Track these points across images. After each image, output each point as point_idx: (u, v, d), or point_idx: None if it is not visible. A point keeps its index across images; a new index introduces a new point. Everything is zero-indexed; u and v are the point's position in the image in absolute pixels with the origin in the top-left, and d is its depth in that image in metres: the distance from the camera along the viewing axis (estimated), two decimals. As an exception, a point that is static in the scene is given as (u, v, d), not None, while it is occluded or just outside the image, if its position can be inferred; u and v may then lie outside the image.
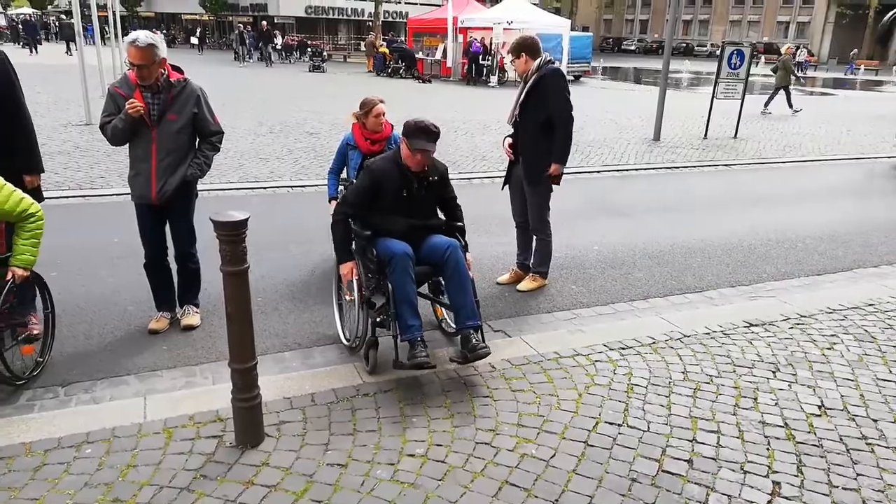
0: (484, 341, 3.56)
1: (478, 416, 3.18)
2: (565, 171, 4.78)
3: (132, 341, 3.98)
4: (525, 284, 4.99)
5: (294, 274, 5.15)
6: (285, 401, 3.26)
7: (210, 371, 3.71)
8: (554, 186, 4.81)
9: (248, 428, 2.91)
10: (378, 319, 3.62)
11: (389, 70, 27.58)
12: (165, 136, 3.80)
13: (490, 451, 2.91)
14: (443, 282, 3.78)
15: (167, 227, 4.08)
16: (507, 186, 5.06)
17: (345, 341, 3.98)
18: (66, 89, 15.75)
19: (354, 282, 3.69)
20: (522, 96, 4.66)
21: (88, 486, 2.62)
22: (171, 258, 4.17)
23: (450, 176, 4.05)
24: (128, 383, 3.55)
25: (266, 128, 12.09)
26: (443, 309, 4.11)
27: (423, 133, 3.60)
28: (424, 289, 4.03)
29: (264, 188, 8.04)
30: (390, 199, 3.70)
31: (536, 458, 2.88)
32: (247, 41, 32.59)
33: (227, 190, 7.80)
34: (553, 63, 4.67)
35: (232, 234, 2.68)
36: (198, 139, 4.00)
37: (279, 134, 11.60)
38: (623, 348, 3.94)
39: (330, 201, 4.95)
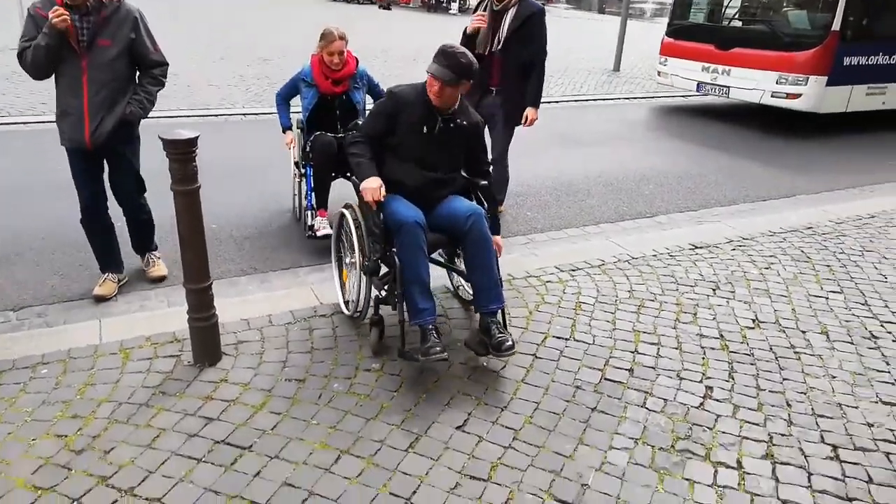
0: (506, 328, 3.06)
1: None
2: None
3: (84, 267, 3.94)
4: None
5: (249, 202, 5.11)
6: (242, 322, 3.31)
7: (165, 295, 3.72)
8: None
9: (206, 347, 2.95)
10: (382, 294, 3.12)
11: (347, -5, 26.56)
12: (98, 65, 3.25)
13: (443, 364, 3.03)
14: (460, 252, 3.32)
15: (106, 174, 3.59)
16: None
17: (345, 309, 3.39)
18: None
19: (371, 220, 3.09)
20: (507, 31, 4.33)
21: (46, 403, 2.65)
22: (113, 210, 3.68)
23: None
24: (81, 307, 3.54)
25: (217, 53, 11.63)
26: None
27: (441, 56, 2.99)
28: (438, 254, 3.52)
29: (216, 116, 7.83)
30: (407, 134, 3.10)
31: (488, 370, 3.02)
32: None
33: (177, 118, 7.55)
34: None
35: (182, 153, 2.65)
36: (137, 72, 3.47)
37: (229, 60, 11.19)
38: (573, 270, 4.08)
39: (284, 132, 4.63)
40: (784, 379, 3.04)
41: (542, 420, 2.70)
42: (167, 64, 3.54)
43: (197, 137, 2.68)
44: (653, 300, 3.73)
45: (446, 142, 3.14)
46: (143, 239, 3.86)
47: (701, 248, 4.48)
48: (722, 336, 3.38)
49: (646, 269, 4.14)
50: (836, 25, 7.72)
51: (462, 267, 3.35)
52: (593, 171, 6.38)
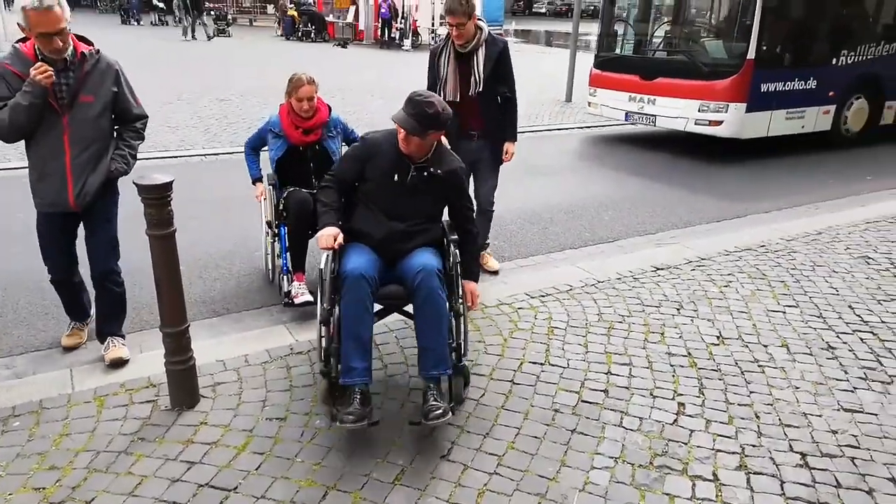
0: (450, 397, 2.88)
1: (410, 365, 3.33)
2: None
3: (50, 315, 3.86)
4: (493, 264, 4.67)
5: (216, 242, 5.09)
6: (218, 363, 3.29)
7: (136, 341, 3.66)
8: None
9: (184, 390, 2.93)
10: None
11: (299, 33, 26.77)
12: (80, 123, 3.04)
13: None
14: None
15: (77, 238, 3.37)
16: None
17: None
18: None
19: (328, 267, 2.88)
20: (483, 73, 4.15)
21: (21, 456, 2.59)
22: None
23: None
24: (50, 357, 3.46)
25: (174, 95, 11.58)
26: None
27: (408, 104, 2.86)
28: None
29: (175, 157, 7.79)
30: (378, 182, 2.99)
31: (468, 399, 3.06)
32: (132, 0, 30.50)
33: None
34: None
35: (157, 198, 2.67)
36: (117, 126, 3.29)
37: (187, 101, 11.15)
38: (543, 296, 4.18)
39: (254, 183, 4.34)
40: (751, 392, 3.17)
41: (524, 445, 2.76)
42: (147, 117, 3.37)
43: (172, 182, 2.70)
44: (621, 322, 3.85)
45: (418, 192, 2.98)
46: (112, 317, 3.44)
47: (662, 269, 4.64)
48: (689, 354, 3.51)
49: (612, 291, 4.27)
50: (752, 54, 7.95)
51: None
52: (554, 199, 6.56)
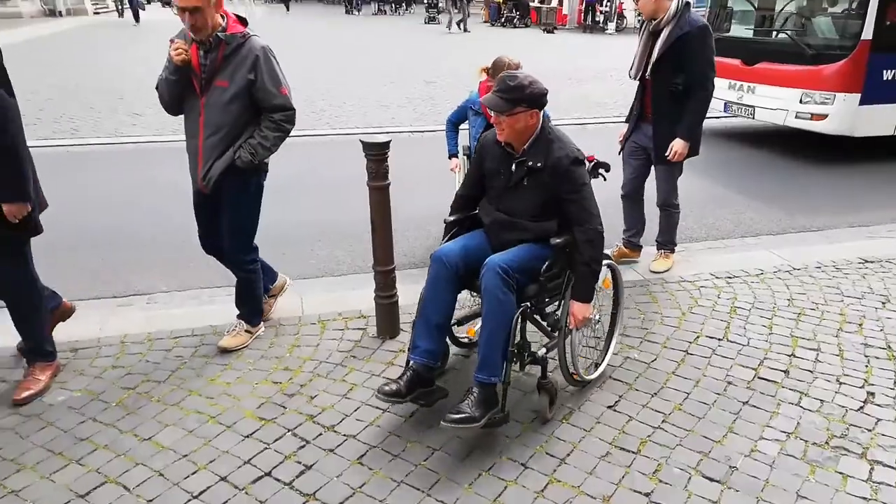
0: (502, 406, 2.58)
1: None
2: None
3: (289, 256, 4.62)
4: (659, 265, 4.26)
5: (417, 208, 5.62)
6: (415, 304, 3.75)
7: (351, 281, 4.27)
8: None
9: (387, 321, 3.43)
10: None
11: (503, 20, 27.41)
12: (213, 107, 2.99)
13: (596, 353, 3.26)
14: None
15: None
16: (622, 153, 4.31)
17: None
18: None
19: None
20: (657, 53, 3.86)
21: (264, 357, 3.25)
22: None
23: (562, 122, 3.81)
24: (290, 288, 4.15)
25: (386, 78, 12.65)
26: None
27: (496, 82, 2.74)
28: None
29: (387, 132, 8.59)
30: (489, 178, 2.89)
31: (639, 361, 3.21)
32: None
33: (351, 134, 8.41)
34: (690, 7, 3.87)
35: (377, 154, 3.15)
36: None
37: (398, 83, 12.13)
38: (730, 277, 4.12)
39: (450, 157, 4.43)
40: (959, 392, 2.92)
41: (691, 408, 2.85)
42: (293, 109, 3.09)
43: (389, 142, 3.17)
44: (814, 309, 3.69)
45: (521, 187, 2.77)
46: (241, 300, 3.39)
47: (872, 262, 4.30)
48: (889, 347, 3.29)
49: (808, 279, 4.07)
50: (868, 33, 6.45)
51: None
52: (742, 184, 6.25)
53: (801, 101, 6.95)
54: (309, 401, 2.90)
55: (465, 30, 24.25)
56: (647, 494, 2.37)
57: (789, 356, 3.24)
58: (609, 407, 2.86)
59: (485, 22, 29.30)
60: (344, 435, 2.67)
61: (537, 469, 2.49)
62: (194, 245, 3.41)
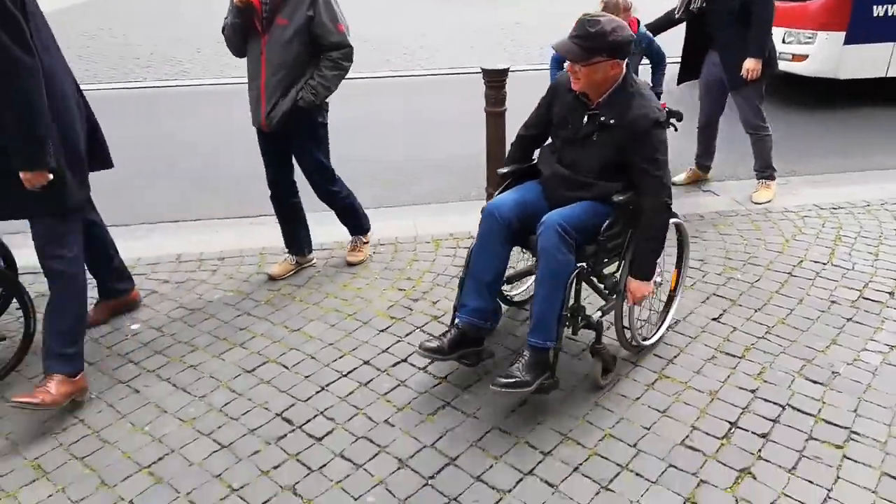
0: (552, 371, 2.42)
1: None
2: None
3: (393, 182, 4.93)
4: (761, 195, 4.30)
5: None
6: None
7: (457, 207, 4.51)
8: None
9: (498, 240, 3.68)
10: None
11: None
12: (275, 46, 3.05)
13: (700, 273, 3.42)
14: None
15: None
16: (684, 83, 4.49)
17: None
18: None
19: None
20: None
21: (388, 269, 3.58)
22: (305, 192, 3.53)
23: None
24: (401, 210, 4.46)
25: (463, 16, 12.66)
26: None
27: (575, 26, 2.43)
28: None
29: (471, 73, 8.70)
30: (556, 125, 2.67)
31: (741, 281, 3.35)
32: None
33: (441, 75, 8.57)
34: None
35: (496, 81, 3.36)
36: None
37: (481, 22, 12.13)
38: (835, 208, 4.13)
39: None
40: None
41: (795, 322, 2.99)
42: (349, 47, 3.14)
43: (508, 69, 3.36)
44: (923, 239, 3.69)
45: (589, 142, 2.54)
46: (349, 221, 3.65)
47: None
48: None
49: (918, 212, 4.04)
50: None
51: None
52: (846, 116, 6.06)
53: (783, 41, 6.25)
54: (432, 305, 3.21)
55: None
56: (752, 391, 2.56)
57: (895, 280, 3.29)
58: (714, 319, 3.04)
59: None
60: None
61: (646, 367, 2.72)
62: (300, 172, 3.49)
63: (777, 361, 2.73)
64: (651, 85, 3.95)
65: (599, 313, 2.60)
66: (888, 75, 6.29)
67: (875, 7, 5.98)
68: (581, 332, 2.68)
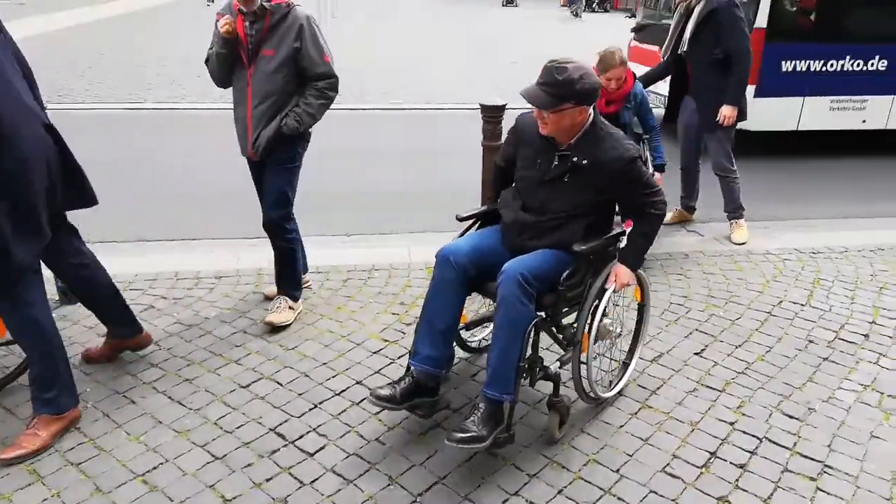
0: (507, 425, 2.34)
1: (672, 286, 3.81)
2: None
3: (390, 211, 5.05)
4: (737, 235, 4.48)
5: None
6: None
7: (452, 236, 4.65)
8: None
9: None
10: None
11: (584, 4, 27.20)
12: (261, 76, 3.07)
13: (683, 308, 3.55)
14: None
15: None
16: (669, 123, 4.72)
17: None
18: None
19: None
20: (691, 29, 4.25)
21: (381, 293, 3.67)
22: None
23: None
24: (396, 235, 4.57)
25: (462, 55, 12.98)
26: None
27: (541, 73, 2.41)
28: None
29: (469, 109, 8.95)
30: (523, 166, 2.62)
31: (723, 318, 3.47)
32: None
33: (441, 109, 8.79)
34: None
35: (493, 116, 3.51)
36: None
37: (479, 61, 12.43)
38: (814, 253, 4.29)
39: None
40: None
41: (774, 359, 3.11)
42: (335, 77, 3.16)
43: (505, 105, 3.52)
44: (897, 285, 3.85)
45: (560, 184, 2.50)
46: (282, 273, 3.38)
47: (961, 246, 4.38)
48: (973, 321, 3.43)
49: (893, 258, 4.20)
50: (762, 20, 5.97)
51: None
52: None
53: None
54: (424, 329, 3.29)
55: (577, 14, 24.64)
56: (731, 423, 2.66)
57: (870, 323, 3.43)
58: (696, 353, 3.14)
59: (562, 6, 29.11)
60: (457, 358, 3.04)
61: (630, 397, 2.81)
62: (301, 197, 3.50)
63: (756, 396, 2.83)
64: (652, 158, 4.01)
65: (558, 364, 2.56)
66: (799, 129, 6.50)
67: (783, 63, 6.23)
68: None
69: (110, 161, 5.71)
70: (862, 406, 2.78)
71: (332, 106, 3.24)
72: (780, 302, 3.64)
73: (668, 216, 4.75)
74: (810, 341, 3.26)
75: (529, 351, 2.43)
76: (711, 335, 3.30)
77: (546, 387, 2.66)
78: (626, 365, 2.90)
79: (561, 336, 2.63)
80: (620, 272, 2.56)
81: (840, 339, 3.28)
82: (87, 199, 2.65)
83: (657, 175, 3.94)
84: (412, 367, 2.49)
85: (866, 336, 3.31)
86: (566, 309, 2.60)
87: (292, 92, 3.12)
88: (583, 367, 2.55)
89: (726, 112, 4.23)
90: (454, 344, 2.70)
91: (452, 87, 10.15)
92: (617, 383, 2.83)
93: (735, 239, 4.48)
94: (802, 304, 3.61)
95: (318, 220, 4.60)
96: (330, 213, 4.65)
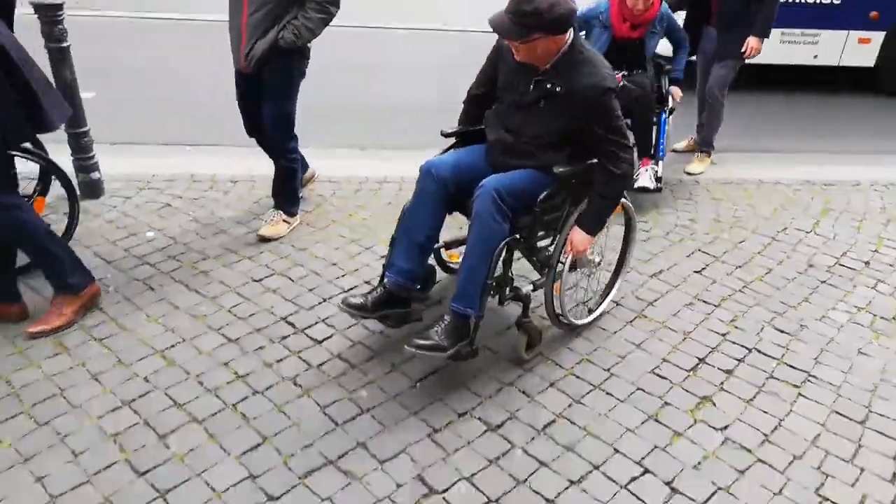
0: (472, 339, 2.32)
1: (679, 210, 3.84)
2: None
3: (400, 130, 5.07)
4: (695, 166, 4.42)
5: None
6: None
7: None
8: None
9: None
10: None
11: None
12: None
13: (688, 231, 3.60)
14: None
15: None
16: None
17: None
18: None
19: None
20: None
21: (392, 204, 3.74)
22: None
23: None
24: (408, 155, 4.60)
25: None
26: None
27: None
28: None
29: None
30: (503, 87, 2.53)
31: (727, 240, 3.52)
32: None
33: (442, 31, 8.60)
34: None
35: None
36: None
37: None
38: (826, 184, 4.29)
39: None
40: None
41: (773, 280, 3.18)
42: None
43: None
44: (906, 218, 3.86)
45: (535, 109, 2.40)
46: (280, 191, 3.39)
47: (976, 185, 4.35)
48: (975, 254, 3.46)
49: (905, 194, 4.20)
50: None
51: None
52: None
53: None
54: (432, 238, 3.38)
55: None
56: (723, 334, 2.76)
57: (873, 252, 3.47)
58: (696, 272, 3.22)
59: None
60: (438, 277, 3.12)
61: (627, 307, 2.91)
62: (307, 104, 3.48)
63: (750, 312, 2.92)
64: (671, 68, 4.02)
65: (531, 286, 2.54)
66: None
67: None
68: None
69: (130, 68, 5.73)
70: (854, 326, 2.86)
71: (335, 23, 3.13)
72: (786, 228, 3.67)
73: (683, 144, 4.78)
74: (811, 265, 3.32)
75: (500, 270, 2.42)
76: (713, 256, 3.37)
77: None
78: (607, 291, 2.87)
79: (535, 258, 2.60)
80: (576, 238, 2.44)
81: (840, 264, 3.34)
82: (45, 124, 2.47)
83: (674, 89, 3.95)
84: (386, 280, 2.46)
85: (867, 263, 3.35)
86: (542, 232, 2.56)
87: (290, 2, 2.97)
88: (555, 296, 2.52)
89: (753, 44, 4.12)
90: (436, 266, 2.74)
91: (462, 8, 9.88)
92: (595, 310, 2.80)
93: (691, 169, 4.39)
94: (807, 231, 3.65)
95: (324, 130, 4.63)
96: (336, 125, 4.64)
